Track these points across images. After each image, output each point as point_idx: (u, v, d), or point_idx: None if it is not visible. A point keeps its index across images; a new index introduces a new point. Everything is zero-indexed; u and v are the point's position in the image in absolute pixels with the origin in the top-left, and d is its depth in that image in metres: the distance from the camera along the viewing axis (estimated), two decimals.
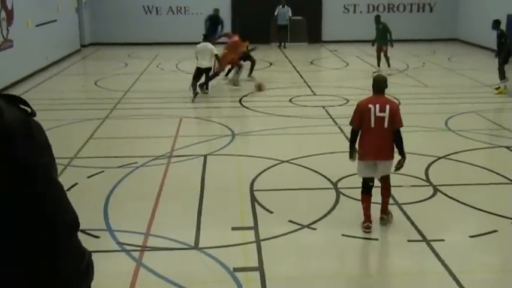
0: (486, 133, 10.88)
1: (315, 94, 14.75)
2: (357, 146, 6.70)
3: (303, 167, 9.02)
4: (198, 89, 14.01)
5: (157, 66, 19.40)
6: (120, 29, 24.34)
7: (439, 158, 9.37)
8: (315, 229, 6.83)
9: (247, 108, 13.20)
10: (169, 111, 12.75)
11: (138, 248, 6.36)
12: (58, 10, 20.37)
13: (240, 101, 13.87)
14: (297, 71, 18.22)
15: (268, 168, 8.96)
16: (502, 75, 14.61)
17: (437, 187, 8.08)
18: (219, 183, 8.39)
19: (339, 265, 6.12)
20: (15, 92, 13.16)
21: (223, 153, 9.84)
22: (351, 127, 6.68)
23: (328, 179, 8.38)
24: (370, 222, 6.67)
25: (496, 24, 14.77)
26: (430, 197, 7.78)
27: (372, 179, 6.65)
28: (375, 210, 6.75)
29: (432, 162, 9.07)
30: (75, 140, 10.59)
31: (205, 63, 14.22)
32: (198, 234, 6.68)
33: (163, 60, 20.44)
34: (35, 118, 1.69)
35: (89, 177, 8.60)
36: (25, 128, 1.63)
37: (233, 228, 6.84)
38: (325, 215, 7.19)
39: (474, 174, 8.85)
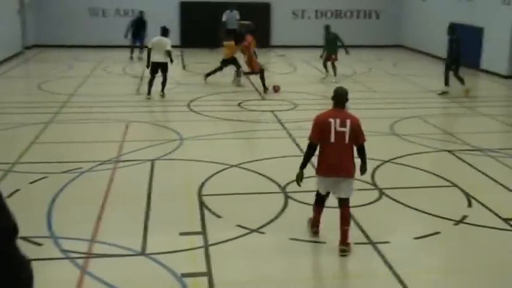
0: (430, 137, 11.16)
1: (263, 99, 14.81)
2: (313, 163, 6.54)
3: (252, 171, 9.03)
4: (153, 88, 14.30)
5: (104, 70, 19.09)
6: (66, 31, 23.83)
7: (385, 162, 9.55)
8: (263, 233, 6.85)
9: (195, 112, 13.14)
10: (116, 115, 12.56)
11: (83, 255, 6.22)
12: None
13: (188, 105, 13.80)
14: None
15: (217, 172, 8.93)
16: (461, 80, 15.11)
17: (383, 190, 8.23)
18: (166, 188, 8.31)
19: (287, 269, 6.14)
20: None
21: (171, 158, 9.75)
22: (309, 142, 6.32)
23: (277, 183, 8.42)
24: (318, 227, 6.67)
25: (452, 29, 15.23)
26: (376, 200, 7.93)
27: (327, 195, 6.49)
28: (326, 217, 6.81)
29: (378, 166, 9.24)
30: (17, 144, 10.28)
31: (159, 57, 14.29)
32: (145, 240, 6.60)
33: (110, 63, 20.13)
34: None
35: (31, 182, 8.36)
36: None
37: (181, 234, 6.79)
38: (273, 219, 7.22)
39: (418, 177, 9.06)
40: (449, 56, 15.16)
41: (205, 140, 10.93)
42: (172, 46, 14.72)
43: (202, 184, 8.39)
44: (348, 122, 6.17)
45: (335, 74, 17.11)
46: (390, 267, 6.06)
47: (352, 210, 6.52)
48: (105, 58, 21.21)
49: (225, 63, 16.73)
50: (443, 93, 15.35)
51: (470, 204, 7.84)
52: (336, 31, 17.25)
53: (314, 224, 6.71)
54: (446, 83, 15.35)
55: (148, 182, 8.47)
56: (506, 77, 18.03)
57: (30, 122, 11.83)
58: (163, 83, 14.49)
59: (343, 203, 6.33)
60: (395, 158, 9.77)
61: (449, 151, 10.34)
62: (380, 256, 6.31)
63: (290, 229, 6.92)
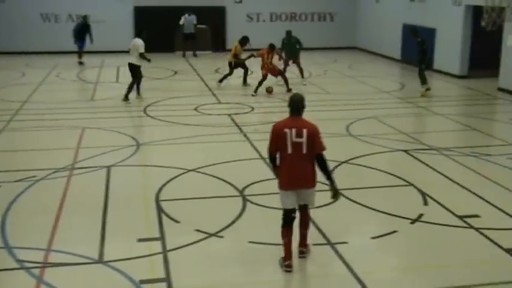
0: (385, 137, 11.33)
1: (220, 102, 14.78)
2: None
3: (209, 175, 9.00)
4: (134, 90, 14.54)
5: (57, 76, 18.74)
6: (17, 38, 23.29)
7: (341, 162, 9.65)
8: (222, 237, 6.83)
9: (152, 117, 13.03)
10: (71, 122, 12.35)
11: (39, 265, 6.09)
12: None
13: (144, 110, 13.67)
14: (202, 80, 18.21)
15: (174, 177, 8.87)
16: (424, 80, 15.62)
17: (340, 191, 8.28)
18: (123, 195, 8.22)
19: (246, 272, 6.14)
20: None
21: (127, 163, 9.65)
22: (268, 153, 6.15)
23: (235, 187, 8.41)
24: (291, 259, 6.12)
25: (414, 33, 15.70)
26: (333, 201, 7.97)
27: (294, 210, 6.13)
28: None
29: (334, 168, 9.32)
30: None
31: (130, 58, 14.62)
32: (102, 247, 6.51)
33: (63, 70, 19.77)
34: None
35: None
36: None
37: (139, 240, 6.72)
38: (232, 223, 7.22)
39: (374, 177, 9.19)
40: (420, 57, 15.64)
41: (162, 145, 10.84)
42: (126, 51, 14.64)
43: (160, 189, 8.33)
44: (305, 131, 5.88)
45: (302, 76, 17.37)
46: (348, 267, 6.13)
47: (310, 211, 6.54)
48: (58, 64, 20.84)
49: (235, 66, 17.08)
50: (427, 90, 15.73)
51: (426, 203, 8.00)
52: (294, 35, 17.43)
53: (287, 257, 6.10)
54: (424, 82, 15.71)
55: (104, 189, 8.36)
56: (458, 77, 18.46)
57: None
58: (129, 87, 14.51)
59: (304, 207, 6.28)
60: (351, 159, 9.89)
61: (405, 151, 10.52)
62: (338, 256, 6.37)
63: (249, 232, 6.93)
